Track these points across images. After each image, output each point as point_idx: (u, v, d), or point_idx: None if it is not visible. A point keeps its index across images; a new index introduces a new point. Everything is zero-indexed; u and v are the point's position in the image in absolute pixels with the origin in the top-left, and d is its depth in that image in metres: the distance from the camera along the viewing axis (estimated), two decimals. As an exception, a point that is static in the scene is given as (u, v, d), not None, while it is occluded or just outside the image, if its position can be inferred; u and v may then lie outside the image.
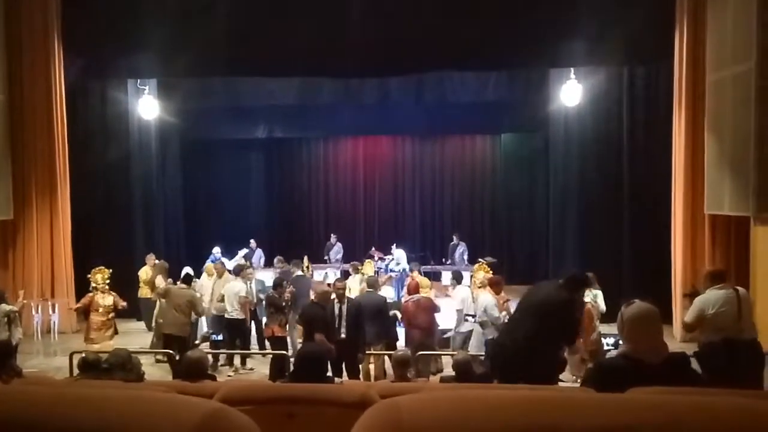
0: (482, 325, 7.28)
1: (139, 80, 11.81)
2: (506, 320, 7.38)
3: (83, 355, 5.37)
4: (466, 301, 7.90)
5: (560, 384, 4.74)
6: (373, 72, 11.20)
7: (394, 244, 13.54)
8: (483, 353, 6.60)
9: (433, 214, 16.73)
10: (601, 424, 0.78)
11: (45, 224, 10.29)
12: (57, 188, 10.25)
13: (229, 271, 9.33)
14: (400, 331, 8.11)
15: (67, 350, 7.26)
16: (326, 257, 14.55)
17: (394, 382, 5.17)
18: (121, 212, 11.87)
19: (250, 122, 14.72)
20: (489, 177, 16.35)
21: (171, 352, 7.25)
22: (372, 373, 7.42)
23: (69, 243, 10.48)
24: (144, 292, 10.19)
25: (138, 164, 12.23)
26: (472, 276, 9.57)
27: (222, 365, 8.41)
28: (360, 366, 7.19)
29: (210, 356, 6.92)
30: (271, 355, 7.65)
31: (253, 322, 8.61)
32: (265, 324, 8.13)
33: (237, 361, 8.38)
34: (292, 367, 4.93)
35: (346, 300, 7.21)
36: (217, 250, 11.91)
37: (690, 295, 5.71)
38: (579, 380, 5.11)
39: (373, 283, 7.96)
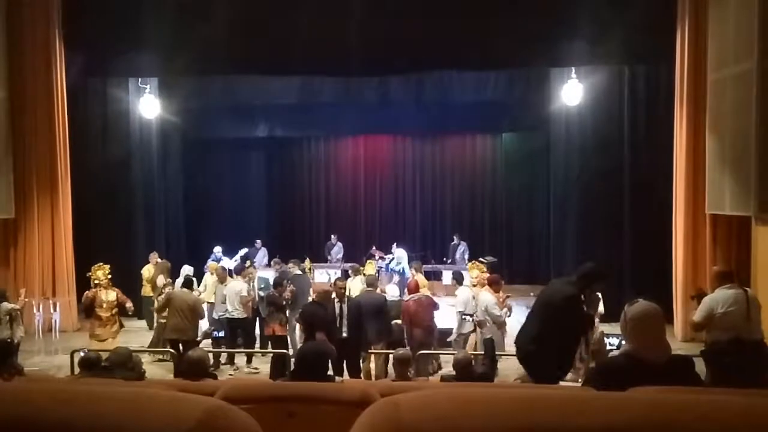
0: (480, 324, 7.27)
1: (140, 79, 11.83)
2: (507, 318, 7.39)
3: (84, 352, 5.39)
4: (468, 302, 7.89)
5: (561, 383, 4.73)
6: (373, 71, 11.21)
7: (395, 244, 13.54)
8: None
9: (434, 213, 16.72)
10: (601, 423, 0.78)
11: (46, 222, 10.30)
12: (58, 186, 10.26)
13: (230, 274, 9.33)
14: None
15: (69, 348, 7.27)
16: (327, 257, 14.56)
17: (394, 381, 5.17)
18: (122, 211, 11.89)
19: (251, 121, 14.76)
20: (489, 176, 16.33)
21: (172, 351, 7.27)
22: (373, 372, 7.42)
23: (70, 241, 10.50)
24: (147, 290, 10.22)
25: (139, 163, 12.25)
26: (471, 276, 9.56)
27: (224, 364, 8.42)
28: (361, 365, 7.20)
29: (211, 354, 6.92)
30: (271, 354, 7.66)
31: (257, 319, 8.64)
32: (266, 323, 8.13)
33: (239, 360, 8.39)
34: (292, 366, 4.94)
35: (346, 299, 7.21)
36: (218, 250, 11.94)
37: (696, 297, 5.72)
38: (581, 380, 5.11)
39: (372, 282, 7.97)
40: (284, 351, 7.34)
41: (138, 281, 10.53)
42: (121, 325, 8.10)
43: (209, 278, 9.61)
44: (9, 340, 6.52)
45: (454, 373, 4.95)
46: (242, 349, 8.44)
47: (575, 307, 4.39)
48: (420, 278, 8.92)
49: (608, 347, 7.00)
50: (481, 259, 13.58)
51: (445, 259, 14.29)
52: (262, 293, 8.73)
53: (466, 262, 13.43)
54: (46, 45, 9.99)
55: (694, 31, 9.08)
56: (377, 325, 7.23)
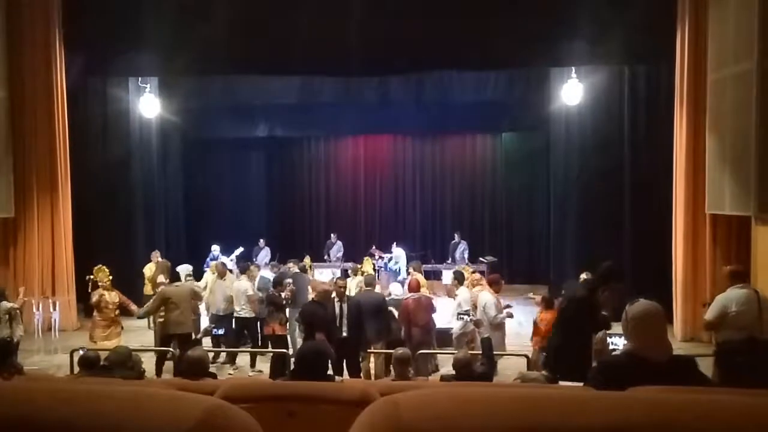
0: (477, 324, 7.27)
1: (140, 78, 11.83)
2: (504, 320, 7.36)
3: (84, 351, 5.39)
4: (467, 302, 7.88)
5: (561, 383, 4.73)
6: (373, 71, 11.21)
7: (395, 243, 13.56)
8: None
9: (434, 213, 16.72)
10: (601, 423, 0.77)
11: (46, 222, 10.30)
12: (58, 186, 10.26)
13: (230, 271, 9.34)
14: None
15: (68, 348, 7.27)
16: (326, 256, 14.56)
17: (394, 380, 5.17)
18: (122, 210, 11.90)
19: (251, 121, 14.76)
20: (489, 176, 16.33)
21: (172, 350, 7.26)
22: (372, 371, 7.42)
23: (70, 241, 10.50)
24: (148, 289, 10.21)
25: (139, 162, 12.26)
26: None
27: (223, 363, 8.40)
28: (361, 364, 7.20)
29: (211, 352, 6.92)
30: (271, 354, 7.65)
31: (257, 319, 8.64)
32: (266, 322, 8.13)
33: (240, 360, 8.37)
34: (292, 365, 4.94)
35: (346, 298, 7.21)
36: (216, 249, 11.94)
37: (709, 305, 5.68)
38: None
39: (371, 281, 7.96)
40: (284, 350, 7.33)
41: (138, 280, 10.52)
42: (121, 327, 8.09)
43: (210, 276, 9.59)
44: (8, 339, 6.54)
45: (453, 372, 4.95)
46: (242, 349, 8.43)
47: (587, 308, 4.41)
48: (419, 278, 8.91)
49: (611, 347, 6.99)
50: (481, 258, 13.61)
51: (446, 261, 14.28)
52: (261, 293, 8.72)
53: (467, 261, 13.44)
54: (46, 45, 9.99)
55: (694, 31, 9.08)
56: (377, 324, 7.23)
